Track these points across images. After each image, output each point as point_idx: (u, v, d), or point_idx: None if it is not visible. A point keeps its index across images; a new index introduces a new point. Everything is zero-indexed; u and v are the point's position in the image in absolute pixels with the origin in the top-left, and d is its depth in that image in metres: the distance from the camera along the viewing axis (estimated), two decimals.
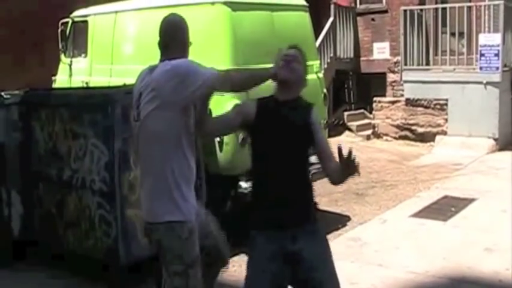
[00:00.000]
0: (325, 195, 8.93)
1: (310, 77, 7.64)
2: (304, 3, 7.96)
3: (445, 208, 8.32)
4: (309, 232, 3.71)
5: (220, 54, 6.77)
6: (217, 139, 6.60)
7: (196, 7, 7.16)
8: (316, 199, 8.87)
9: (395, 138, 14.18)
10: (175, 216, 3.75)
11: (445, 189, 9.36)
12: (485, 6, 13.33)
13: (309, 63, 7.63)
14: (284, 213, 3.66)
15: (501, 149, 12.66)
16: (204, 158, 5.72)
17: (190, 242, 3.80)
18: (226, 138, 6.58)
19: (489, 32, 13.13)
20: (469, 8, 13.55)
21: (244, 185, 6.62)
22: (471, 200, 8.64)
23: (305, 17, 7.85)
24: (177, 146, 3.77)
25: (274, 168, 3.69)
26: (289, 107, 3.80)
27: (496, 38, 12.91)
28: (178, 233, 3.75)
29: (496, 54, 12.84)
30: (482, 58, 12.95)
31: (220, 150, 6.62)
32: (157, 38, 7.00)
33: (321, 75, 7.98)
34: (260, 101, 3.86)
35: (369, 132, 14.75)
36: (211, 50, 6.78)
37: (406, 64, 14.09)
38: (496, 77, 12.83)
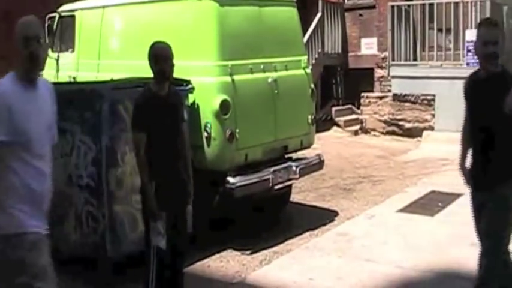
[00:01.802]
0: (313, 190, 8.96)
1: (298, 72, 7.70)
2: None
3: (432, 203, 8.35)
4: (495, 194, 4.39)
5: (206, 49, 6.75)
6: (205, 134, 6.59)
7: (184, 2, 7.14)
8: (303, 194, 8.89)
9: (382, 133, 14.22)
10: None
11: (432, 185, 9.40)
12: (472, 2, 13.38)
13: (297, 58, 7.71)
14: (479, 177, 4.54)
15: None
16: (192, 154, 5.72)
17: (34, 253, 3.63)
18: (213, 133, 6.58)
19: (476, 28, 13.16)
20: (456, 4, 13.59)
21: (232, 180, 6.61)
22: (458, 195, 8.64)
23: (293, 12, 7.84)
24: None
25: (474, 138, 4.55)
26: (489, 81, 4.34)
27: None
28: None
29: None
30: (469, 54, 12.99)
31: (208, 145, 6.60)
32: (146, 33, 7.02)
33: (308, 70, 7.97)
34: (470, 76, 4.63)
35: (357, 127, 14.78)
36: (197, 44, 6.77)
37: (393, 60, 14.13)
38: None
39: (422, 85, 13.57)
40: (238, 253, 6.74)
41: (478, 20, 13.00)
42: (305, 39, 13.67)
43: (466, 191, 8.60)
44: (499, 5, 13.84)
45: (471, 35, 12.99)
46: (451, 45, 13.77)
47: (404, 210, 8.04)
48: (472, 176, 4.63)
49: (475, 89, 4.51)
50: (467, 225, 7.21)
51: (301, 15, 8.17)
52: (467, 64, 12.98)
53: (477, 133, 4.51)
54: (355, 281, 5.78)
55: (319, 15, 15.61)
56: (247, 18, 7.15)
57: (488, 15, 12.98)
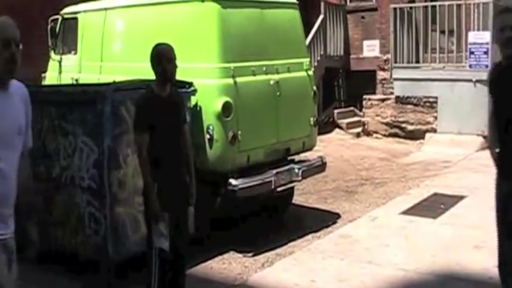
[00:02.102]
0: (315, 192, 8.95)
1: (300, 74, 7.70)
2: (295, 0, 7.95)
3: (434, 205, 8.33)
4: None
5: (208, 51, 6.75)
6: (207, 136, 6.59)
7: (186, 4, 7.14)
8: (306, 196, 8.86)
9: (385, 135, 14.21)
10: None
11: (435, 187, 9.38)
12: (474, 4, 13.37)
13: (299, 60, 7.71)
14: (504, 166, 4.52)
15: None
16: (194, 155, 5.73)
17: None
18: (216, 135, 6.58)
19: (478, 30, 13.16)
20: (459, 6, 13.57)
21: (234, 182, 6.60)
22: (461, 198, 8.66)
23: (295, 15, 7.84)
24: None
25: (499, 130, 4.49)
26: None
27: (485, 36, 12.95)
28: None
29: (485, 52, 12.88)
30: (472, 56, 13.00)
31: (210, 147, 6.61)
32: (148, 35, 7.00)
33: (310, 72, 7.97)
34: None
35: (359, 129, 14.77)
36: (200, 47, 6.77)
37: (396, 62, 14.11)
38: (485, 75, 12.82)
39: (425, 87, 13.56)
40: (241, 255, 6.74)
41: (481, 22, 13.03)
42: (307, 41, 13.66)
43: (469, 193, 8.71)
44: (501, 8, 13.81)
45: (473, 37, 13.02)
46: (454, 47, 13.75)
47: (407, 212, 8.03)
48: (498, 166, 4.60)
49: (498, 80, 4.48)
50: (469, 227, 7.26)
51: (303, 17, 8.17)
52: (470, 66, 12.99)
53: (502, 124, 4.46)
54: (357, 283, 5.77)
55: (321, 17, 15.62)
56: (249, 20, 7.15)
57: (491, 17, 12.98)
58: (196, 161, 5.83)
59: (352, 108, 16.06)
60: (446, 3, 13.65)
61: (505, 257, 4.51)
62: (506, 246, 4.51)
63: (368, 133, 14.53)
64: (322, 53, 15.51)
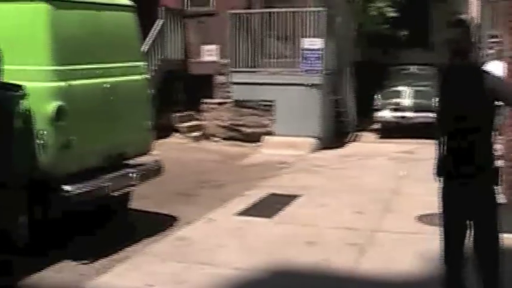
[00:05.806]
0: (153, 196, 8.91)
1: (135, 77, 7.65)
2: (131, 3, 7.88)
3: (270, 205, 8.60)
4: None
5: (39, 54, 6.51)
6: (40, 141, 6.34)
7: (16, 4, 6.84)
8: (143, 201, 8.73)
9: (223, 139, 14.43)
10: None
11: (271, 187, 9.68)
12: (308, 12, 13.92)
13: (135, 64, 7.65)
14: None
15: (323, 148, 13.32)
16: (27, 162, 5.48)
17: None
18: (48, 141, 6.35)
19: (312, 37, 13.73)
20: (293, 13, 14.08)
21: (68, 188, 6.41)
22: (295, 197, 9.00)
23: (131, 17, 7.77)
24: None
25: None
26: None
27: (318, 43, 13.56)
28: None
29: (318, 58, 13.49)
30: (305, 61, 13.54)
31: (43, 153, 6.35)
32: None
33: (147, 76, 7.94)
34: None
35: (198, 133, 14.89)
36: (31, 49, 6.52)
37: (234, 66, 14.39)
38: (318, 80, 13.47)
39: (262, 91, 13.93)
40: (76, 263, 6.56)
41: (314, 29, 13.62)
42: (147, 45, 13.61)
43: (303, 192, 9.07)
44: (333, 16, 14.53)
45: (307, 43, 13.59)
46: (289, 53, 14.24)
47: (244, 213, 8.22)
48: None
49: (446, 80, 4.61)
50: (302, 225, 7.59)
51: (142, 21, 8.12)
52: (304, 71, 13.55)
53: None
54: (195, 285, 5.82)
55: (161, 21, 15.58)
56: (84, 22, 6.99)
57: (324, 24, 13.62)
58: (29, 168, 5.63)
59: (191, 112, 16.12)
60: (282, 10, 14.11)
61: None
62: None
63: (207, 137, 14.70)
64: (161, 57, 15.47)
